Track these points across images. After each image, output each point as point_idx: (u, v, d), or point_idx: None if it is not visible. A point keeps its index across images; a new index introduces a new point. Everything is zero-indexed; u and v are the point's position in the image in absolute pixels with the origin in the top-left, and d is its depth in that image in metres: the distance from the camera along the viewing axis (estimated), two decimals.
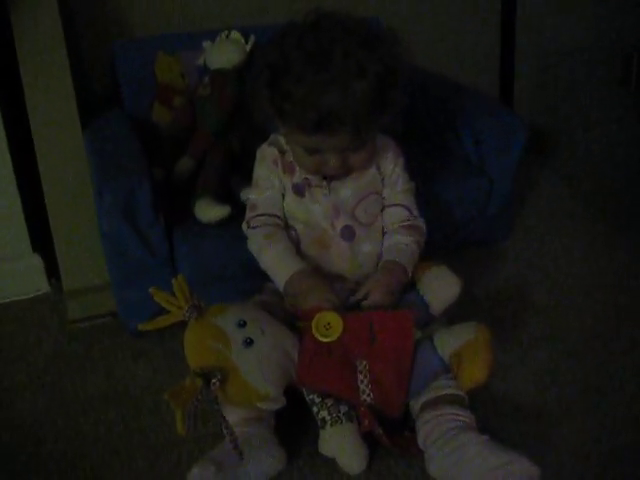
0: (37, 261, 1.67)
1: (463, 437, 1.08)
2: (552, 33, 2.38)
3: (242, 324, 1.11)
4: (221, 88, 1.64)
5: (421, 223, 1.36)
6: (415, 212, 1.36)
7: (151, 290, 1.14)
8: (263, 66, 1.22)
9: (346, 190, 1.32)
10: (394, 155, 1.36)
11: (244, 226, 1.34)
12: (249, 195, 1.37)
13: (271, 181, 1.33)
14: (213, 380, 1.04)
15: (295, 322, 1.19)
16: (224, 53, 1.71)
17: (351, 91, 1.14)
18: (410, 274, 1.29)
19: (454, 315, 1.28)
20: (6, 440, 1.25)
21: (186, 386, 1.02)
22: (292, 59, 1.16)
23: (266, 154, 1.35)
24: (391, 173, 1.35)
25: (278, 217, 1.33)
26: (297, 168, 1.32)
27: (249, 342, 1.09)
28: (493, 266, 1.73)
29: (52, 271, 1.67)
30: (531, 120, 1.69)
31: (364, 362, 1.13)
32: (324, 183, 1.31)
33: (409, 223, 1.34)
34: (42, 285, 1.69)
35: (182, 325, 1.14)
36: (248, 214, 1.35)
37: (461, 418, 1.12)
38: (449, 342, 1.14)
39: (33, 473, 1.18)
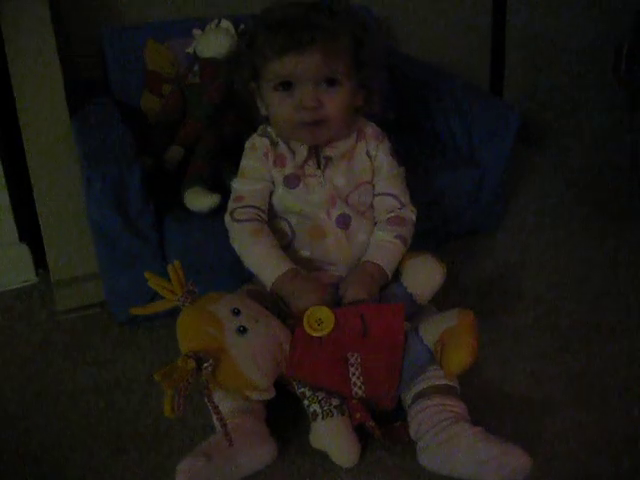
0: (24, 251, 1.65)
1: (455, 428, 1.08)
2: (543, 23, 2.38)
3: (237, 312, 1.10)
4: (211, 77, 1.63)
5: (409, 212, 1.35)
6: (404, 200, 1.35)
7: (146, 274, 1.13)
8: (242, 38, 1.37)
9: (340, 178, 1.32)
10: (376, 139, 1.36)
11: (227, 218, 1.31)
12: (234, 185, 1.35)
13: (260, 173, 1.32)
14: (205, 364, 1.03)
15: (286, 319, 1.19)
16: (214, 42, 1.70)
17: (316, 12, 1.23)
18: (390, 273, 1.29)
19: (443, 305, 1.27)
20: None
21: (178, 367, 1.01)
22: (265, 17, 1.28)
23: (257, 145, 1.33)
24: (375, 156, 1.35)
25: (263, 211, 1.31)
26: (288, 159, 1.31)
27: (243, 330, 1.08)
28: (484, 256, 1.73)
29: (40, 261, 1.65)
30: (522, 111, 1.69)
31: (356, 355, 1.13)
32: (318, 172, 1.31)
33: (395, 215, 1.34)
34: (30, 275, 1.67)
35: (173, 315, 1.13)
36: (232, 205, 1.32)
37: (453, 409, 1.12)
38: (432, 330, 1.14)
39: (22, 464, 1.17)
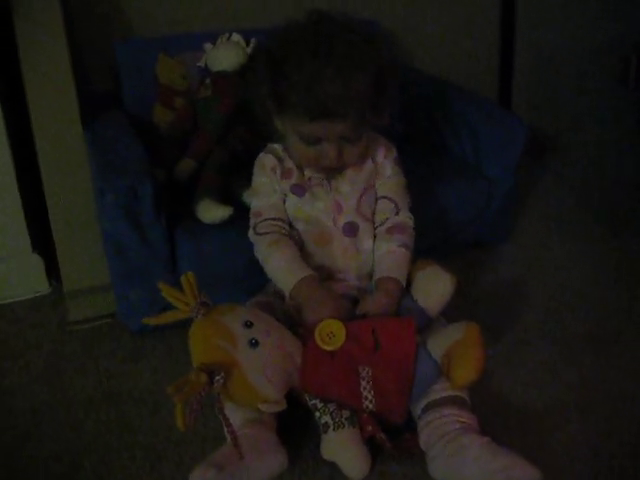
0: (37, 261, 1.67)
1: (465, 439, 1.08)
2: (551, 35, 2.38)
3: (249, 325, 1.11)
4: (223, 90, 1.64)
5: (407, 218, 1.36)
6: (401, 205, 1.36)
7: (159, 285, 1.14)
8: (265, 58, 1.27)
9: (346, 186, 1.34)
10: (385, 148, 1.38)
11: (250, 233, 1.35)
12: (251, 203, 1.38)
13: (272, 187, 1.35)
14: (217, 377, 1.04)
15: (298, 329, 1.19)
16: (225, 55, 1.71)
17: (353, 80, 1.19)
18: (404, 282, 1.29)
19: (452, 317, 1.28)
20: (6, 440, 1.25)
21: (190, 380, 1.02)
22: (294, 50, 1.21)
23: (265, 162, 1.36)
24: (382, 163, 1.37)
25: (283, 220, 1.34)
26: (295, 172, 1.34)
27: (254, 343, 1.08)
28: (491, 267, 1.74)
29: (52, 272, 1.67)
30: (530, 122, 1.69)
31: (367, 368, 1.13)
32: (325, 182, 1.33)
33: (392, 224, 1.34)
34: (42, 286, 1.68)
35: (183, 325, 1.13)
36: (253, 221, 1.35)
37: (463, 420, 1.12)
38: (439, 344, 1.15)
39: (33, 473, 1.18)
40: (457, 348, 1.12)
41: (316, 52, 1.19)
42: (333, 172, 1.33)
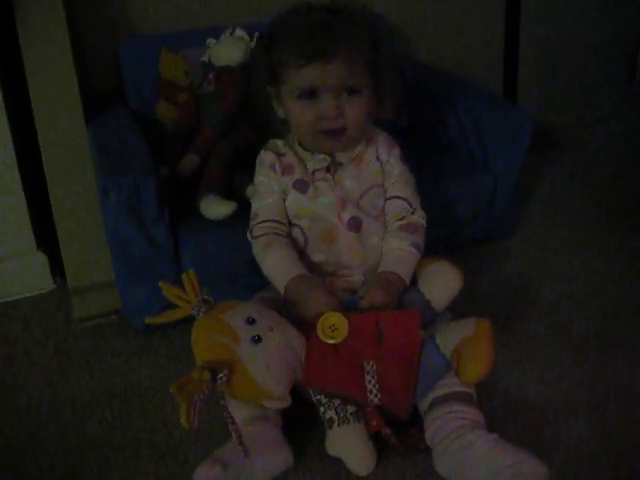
0: (42, 259, 1.67)
1: (471, 435, 1.08)
2: (556, 30, 2.37)
3: (251, 321, 1.10)
4: (226, 85, 1.64)
5: (420, 218, 1.35)
6: (415, 204, 1.36)
7: (160, 284, 1.14)
8: (259, 42, 1.35)
9: (350, 181, 1.33)
10: (387, 145, 1.37)
11: (248, 235, 1.34)
12: (251, 202, 1.37)
13: (271, 187, 1.34)
14: (220, 375, 1.03)
15: (300, 326, 1.18)
16: (228, 50, 1.71)
17: (342, 19, 1.23)
18: (408, 281, 1.28)
19: (458, 312, 1.27)
20: (11, 438, 1.25)
21: (193, 379, 1.01)
22: (285, 26, 1.26)
23: (264, 159, 1.35)
24: (387, 162, 1.36)
25: (279, 222, 1.33)
26: (296, 167, 1.33)
27: (257, 339, 1.08)
28: (497, 263, 1.73)
29: (56, 269, 1.67)
30: (535, 117, 1.68)
31: (372, 363, 1.12)
32: (328, 176, 1.32)
33: (407, 222, 1.34)
34: (46, 283, 1.68)
35: (188, 322, 1.13)
36: (250, 223, 1.35)
37: (469, 416, 1.12)
38: (449, 339, 1.14)
39: (38, 471, 1.18)
40: (468, 344, 1.11)
41: (303, 15, 1.24)
42: (336, 140, 1.29)
